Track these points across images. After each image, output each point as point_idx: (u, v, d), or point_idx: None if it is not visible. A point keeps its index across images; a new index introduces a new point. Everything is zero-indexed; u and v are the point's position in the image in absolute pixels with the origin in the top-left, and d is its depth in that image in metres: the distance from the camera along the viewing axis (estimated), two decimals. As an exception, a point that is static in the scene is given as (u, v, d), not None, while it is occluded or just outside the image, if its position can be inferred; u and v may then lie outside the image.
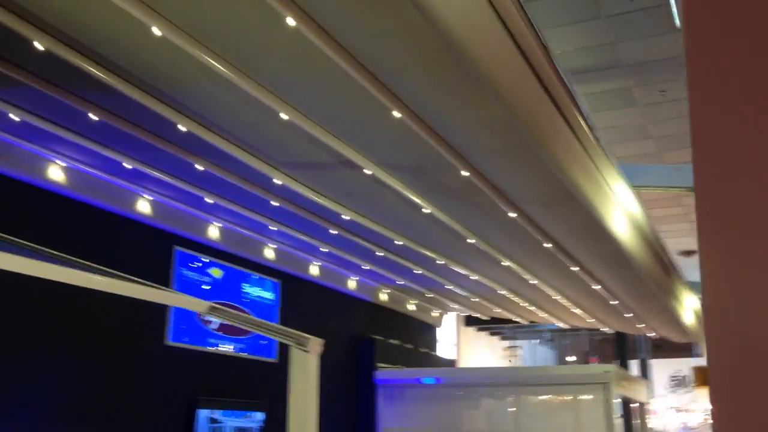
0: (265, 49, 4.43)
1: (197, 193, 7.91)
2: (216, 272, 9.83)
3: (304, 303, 11.48)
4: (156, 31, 4.00)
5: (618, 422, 11.95)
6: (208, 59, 4.35)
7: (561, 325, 15.46)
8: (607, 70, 9.77)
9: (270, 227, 9.21)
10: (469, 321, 19.20)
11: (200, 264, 9.53)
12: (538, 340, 22.24)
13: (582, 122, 4.29)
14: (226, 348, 9.84)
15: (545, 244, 7.79)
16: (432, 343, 16.30)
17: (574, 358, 22.81)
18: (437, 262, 9.71)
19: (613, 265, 7.49)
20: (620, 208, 5.38)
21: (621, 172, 5.10)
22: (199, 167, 6.76)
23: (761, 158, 0.79)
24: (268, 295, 10.85)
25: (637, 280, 7.82)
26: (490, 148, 4.95)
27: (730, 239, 0.76)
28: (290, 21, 3.71)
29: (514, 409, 11.66)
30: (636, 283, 8.18)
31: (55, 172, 7.24)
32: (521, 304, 12.66)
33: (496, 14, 3.31)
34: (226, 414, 9.23)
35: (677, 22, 9.35)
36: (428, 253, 9.28)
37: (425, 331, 15.86)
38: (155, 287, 4.98)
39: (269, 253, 10.53)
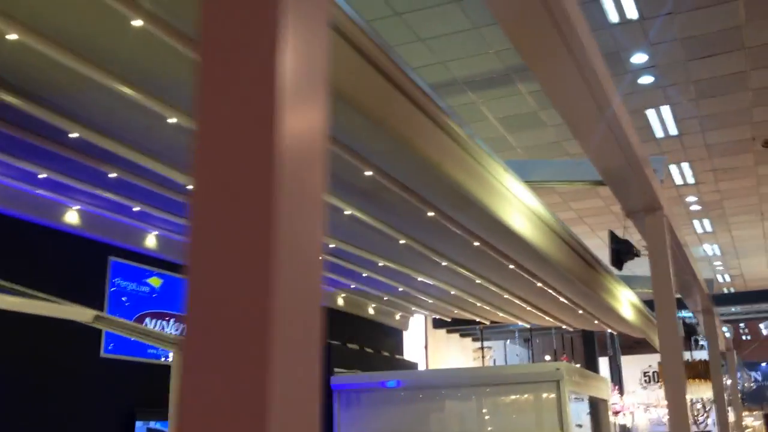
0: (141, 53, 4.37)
1: (124, 202, 7.85)
2: (155, 281, 9.75)
3: (253, 310, 11.39)
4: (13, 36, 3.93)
5: (585, 420, 11.94)
6: (78, 65, 4.28)
7: (523, 324, 15.44)
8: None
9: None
10: (438, 323, 19.14)
11: (138, 274, 9.45)
12: (509, 341, 22.21)
13: (454, 126, 4.26)
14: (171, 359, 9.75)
15: (474, 243, 7.76)
16: (397, 347, 16.25)
17: (548, 358, 22.82)
18: (378, 264, 9.67)
19: (537, 264, 7.47)
20: (518, 206, 5.34)
21: (508, 169, 5.06)
22: (113, 175, 6.70)
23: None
24: (213, 303, 10.75)
25: (563, 278, 7.80)
26: (375, 150, 4.92)
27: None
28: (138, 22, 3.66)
29: (473, 410, 11.61)
30: (566, 282, 8.17)
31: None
32: (477, 304, 12.62)
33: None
34: (165, 425, 9.14)
35: (610, 16, 9.38)
36: (366, 255, 9.24)
37: (389, 335, 15.80)
38: (38, 299, 4.90)
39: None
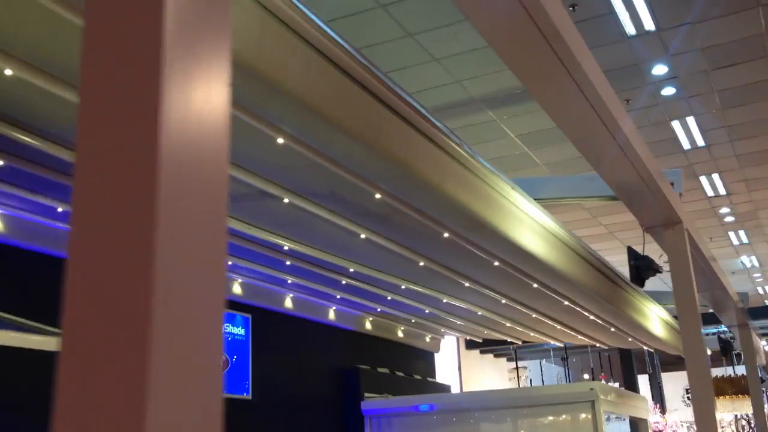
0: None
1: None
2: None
3: (278, 337, 11.37)
4: None
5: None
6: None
7: (555, 343, 15.18)
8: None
9: (228, 262, 9.17)
10: (471, 344, 18.93)
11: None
12: (544, 360, 21.87)
13: (454, 145, 4.19)
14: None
15: (495, 263, 7.64)
16: (429, 369, 16.06)
17: (587, 377, 22.38)
18: (401, 287, 9.58)
19: (558, 282, 7.31)
20: (529, 224, 5.24)
21: (516, 187, 4.96)
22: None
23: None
24: (238, 330, 10.76)
25: (589, 296, 7.62)
26: (376, 174, 4.86)
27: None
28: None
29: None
30: (591, 299, 7.98)
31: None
32: (507, 324, 12.44)
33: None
34: None
35: (626, 29, 9.25)
36: (387, 278, 9.17)
37: (420, 358, 15.64)
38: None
39: (236, 288, 10.47)
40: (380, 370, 13.46)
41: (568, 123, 4.23)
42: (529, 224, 5.22)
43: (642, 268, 5.55)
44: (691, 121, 11.53)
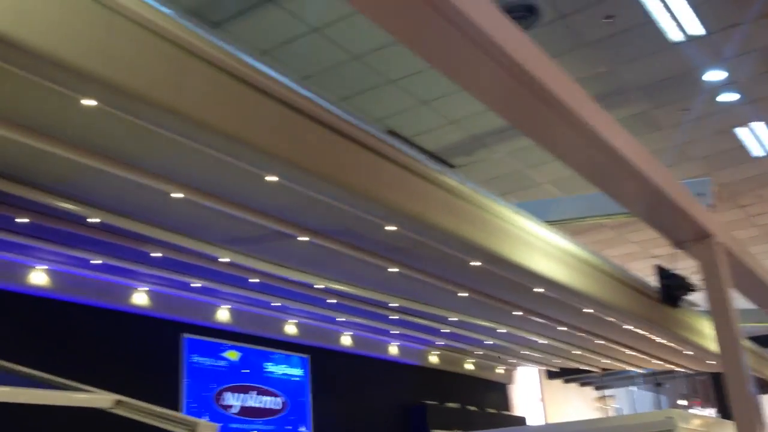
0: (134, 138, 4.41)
1: (182, 279, 8.02)
2: (232, 355, 9.82)
3: (339, 376, 11.26)
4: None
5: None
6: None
7: (635, 370, 14.45)
8: (617, 96, 9.32)
9: (272, 303, 9.18)
10: (553, 374, 18.28)
11: (213, 348, 9.56)
12: (635, 387, 20.85)
13: (441, 177, 4.05)
14: (252, 432, 9.73)
15: (534, 289, 7.31)
16: (503, 402, 15.57)
17: (684, 403, 21.20)
18: (448, 318, 9.34)
19: (590, 305, 6.92)
20: (542, 248, 4.96)
21: (519, 211, 4.72)
22: (157, 254, 6.85)
23: None
24: (296, 371, 10.72)
25: (635, 319, 7.18)
26: (374, 213, 4.76)
27: None
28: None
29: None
30: (643, 322, 7.52)
31: (37, 277, 7.49)
32: (573, 352, 11.93)
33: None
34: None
35: (671, 36, 8.83)
36: (433, 311, 8.95)
37: (493, 390, 15.18)
38: (56, 387, 4.94)
39: (290, 328, 10.45)
40: (449, 405, 13.11)
41: (566, 156, 3.99)
42: (542, 248, 4.94)
43: (673, 287, 5.17)
44: (760, 126, 10.87)
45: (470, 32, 2.54)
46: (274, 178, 4.57)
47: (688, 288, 5.10)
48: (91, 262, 7.18)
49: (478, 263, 6.42)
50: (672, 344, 9.96)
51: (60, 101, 3.58)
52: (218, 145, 3.98)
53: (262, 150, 3.90)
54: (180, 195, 5.06)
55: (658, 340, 9.69)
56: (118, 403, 5.05)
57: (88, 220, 5.55)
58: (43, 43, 2.94)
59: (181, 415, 5.29)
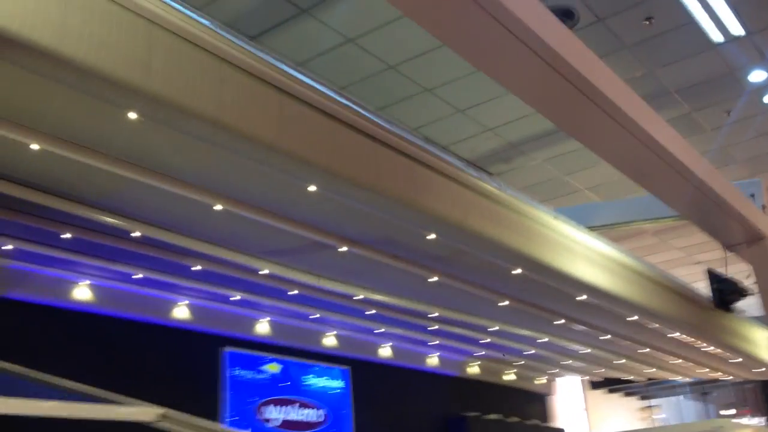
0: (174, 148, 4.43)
1: (222, 292, 8.05)
2: (273, 367, 9.81)
3: (378, 387, 11.19)
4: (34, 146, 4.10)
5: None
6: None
7: (681, 379, 14.13)
8: (658, 99, 9.17)
9: (312, 315, 9.17)
10: (596, 384, 17.98)
11: (254, 361, 9.56)
12: (682, 396, 20.39)
13: (481, 183, 4.00)
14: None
15: (577, 297, 7.19)
16: (545, 413, 15.33)
17: (732, 411, 20.67)
18: (490, 328, 9.22)
19: (635, 312, 6.76)
20: (584, 254, 4.87)
21: (559, 216, 4.63)
22: (197, 267, 6.88)
23: None
24: (337, 384, 10.67)
25: (682, 325, 7.00)
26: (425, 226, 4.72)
27: None
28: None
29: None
30: (689, 329, 7.33)
31: (81, 292, 7.58)
32: (616, 361, 11.72)
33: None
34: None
35: (712, 37, 8.65)
36: (474, 321, 8.85)
37: (533, 401, 14.96)
38: (100, 401, 4.96)
39: (329, 341, 10.42)
40: (490, 416, 12.94)
41: (615, 158, 3.94)
42: (585, 255, 4.84)
43: (726, 291, 5.02)
44: (804, 128, 10.59)
45: (518, 30, 2.51)
46: (314, 188, 4.56)
47: (742, 292, 4.96)
48: (133, 276, 7.24)
49: (519, 271, 6.34)
50: (719, 352, 9.70)
51: (103, 115, 3.62)
52: (258, 156, 3.98)
53: (301, 159, 3.89)
54: (220, 207, 5.07)
55: (705, 348, 9.45)
56: (163, 416, 5.05)
57: (132, 234, 5.59)
58: (86, 57, 2.97)
59: (226, 428, 5.27)
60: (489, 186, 4.08)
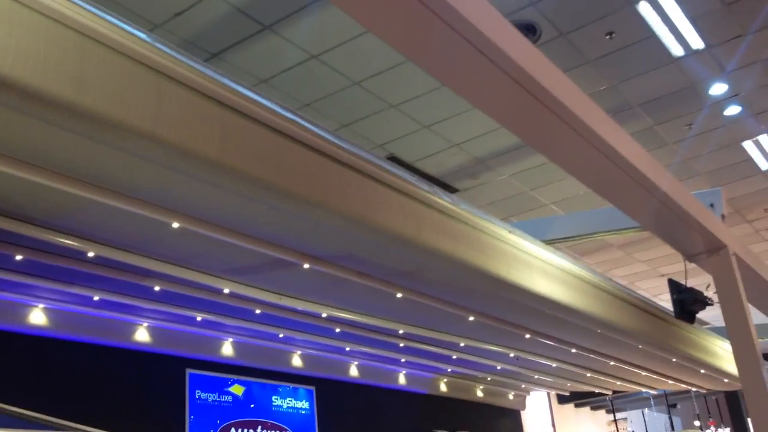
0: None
1: (184, 314, 7.86)
2: (237, 389, 9.61)
3: (346, 407, 11.04)
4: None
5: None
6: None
7: (649, 391, 14.18)
8: (621, 113, 9.22)
9: (278, 335, 9.00)
10: (564, 399, 17.97)
11: (218, 383, 9.35)
12: (646, 409, 20.51)
13: (434, 198, 3.93)
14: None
15: (547, 311, 7.14)
16: (514, 429, 15.28)
17: (697, 423, 20.83)
18: (460, 344, 9.14)
19: (607, 330, 6.73)
20: (542, 269, 4.81)
21: (514, 230, 4.58)
22: (157, 288, 6.70)
23: None
24: (302, 404, 10.49)
25: (643, 339, 6.99)
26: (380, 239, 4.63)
27: None
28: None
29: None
30: (648, 343, 7.32)
31: (36, 316, 7.34)
32: (587, 375, 11.70)
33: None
34: None
35: (672, 50, 8.73)
36: (443, 337, 8.77)
37: (505, 417, 14.91)
38: (58, 429, 4.78)
39: (296, 360, 10.25)
40: (460, 433, 12.86)
41: (580, 172, 3.88)
42: (542, 269, 4.80)
43: (687, 301, 5.01)
44: (765, 139, 10.75)
45: (481, 45, 2.45)
46: (264, 206, 4.43)
47: (704, 302, 4.95)
48: (93, 298, 7.03)
49: (478, 285, 6.27)
50: (687, 364, 9.75)
51: (41, 130, 3.45)
52: (200, 173, 3.82)
53: (245, 176, 3.75)
54: (177, 225, 4.92)
55: (674, 360, 9.49)
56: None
57: (88, 254, 5.41)
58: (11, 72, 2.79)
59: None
60: (443, 200, 4.01)
